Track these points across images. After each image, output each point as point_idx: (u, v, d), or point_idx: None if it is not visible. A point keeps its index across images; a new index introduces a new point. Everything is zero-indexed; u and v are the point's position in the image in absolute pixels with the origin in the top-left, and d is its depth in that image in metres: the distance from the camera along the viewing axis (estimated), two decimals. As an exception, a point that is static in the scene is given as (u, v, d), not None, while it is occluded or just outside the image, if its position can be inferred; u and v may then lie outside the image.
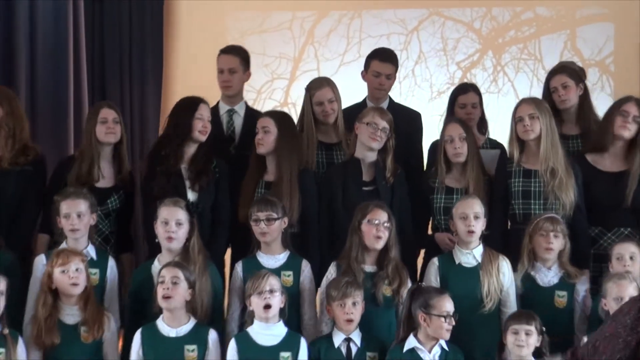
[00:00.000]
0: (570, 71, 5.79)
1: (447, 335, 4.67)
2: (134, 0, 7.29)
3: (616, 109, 5.49)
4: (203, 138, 5.43)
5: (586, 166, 5.48)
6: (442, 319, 4.63)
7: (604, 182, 5.44)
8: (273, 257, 5.11)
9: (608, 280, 4.84)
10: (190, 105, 5.45)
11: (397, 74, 6.09)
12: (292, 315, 4.95)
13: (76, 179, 5.40)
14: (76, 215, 5.06)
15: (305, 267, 5.13)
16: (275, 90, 7.47)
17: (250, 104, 7.22)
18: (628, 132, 5.45)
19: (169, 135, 5.46)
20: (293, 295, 5.00)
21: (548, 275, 5.10)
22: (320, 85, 5.77)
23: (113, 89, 7.25)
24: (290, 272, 5.09)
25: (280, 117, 5.53)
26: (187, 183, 5.37)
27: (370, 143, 5.43)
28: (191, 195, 5.34)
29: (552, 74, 5.80)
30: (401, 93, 6.94)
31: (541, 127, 5.34)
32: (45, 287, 4.82)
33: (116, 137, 5.49)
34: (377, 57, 6.02)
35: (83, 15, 6.98)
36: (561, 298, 5.07)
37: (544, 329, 4.71)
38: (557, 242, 5.08)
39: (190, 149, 5.42)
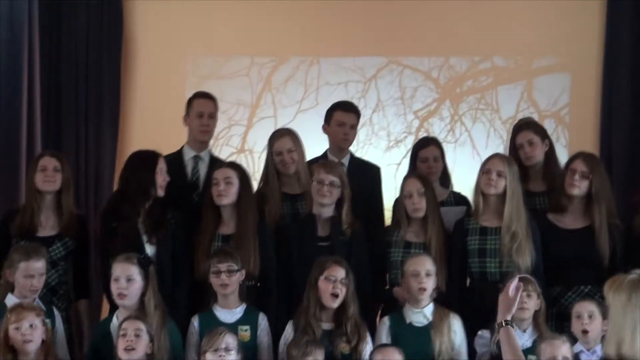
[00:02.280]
0: (536, 127, 5.80)
1: None
2: (91, 44, 7.18)
3: (566, 167, 5.50)
4: (162, 192, 5.35)
5: (547, 225, 5.46)
6: None
7: (564, 240, 5.42)
8: (230, 312, 5.07)
9: (541, 342, 4.82)
10: (149, 161, 5.35)
11: (355, 122, 6.08)
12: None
13: (18, 229, 5.31)
14: (39, 275, 5.00)
15: (262, 321, 5.09)
16: (233, 136, 7.41)
17: (206, 150, 7.16)
18: (577, 189, 5.44)
19: (128, 192, 5.31)
20: (250, 349, 4.96)
21: (522, 338, 4.95)
22: (279, 136, 5.75)
23: (68, 138, 7.12)
24: (248, 327, 5.05)
25: (241, 169, 5.47)
26: (145, 237, 5.26)
27: (318, 199, 5.41)
28: (149, 250, 5.24)
29: (518, 130, 5.78)
30: (359, 141, 6.90)
31: (506, 187, 5.30)
32: (3, 344, 4.72)
33: (55, 185, 5.38)
34: (340, 108, 6.02)
35: (38, 59, 6.90)
36: None
37: None
38: (530, 302, 5.04)
39: (147, 203, 5.33)
